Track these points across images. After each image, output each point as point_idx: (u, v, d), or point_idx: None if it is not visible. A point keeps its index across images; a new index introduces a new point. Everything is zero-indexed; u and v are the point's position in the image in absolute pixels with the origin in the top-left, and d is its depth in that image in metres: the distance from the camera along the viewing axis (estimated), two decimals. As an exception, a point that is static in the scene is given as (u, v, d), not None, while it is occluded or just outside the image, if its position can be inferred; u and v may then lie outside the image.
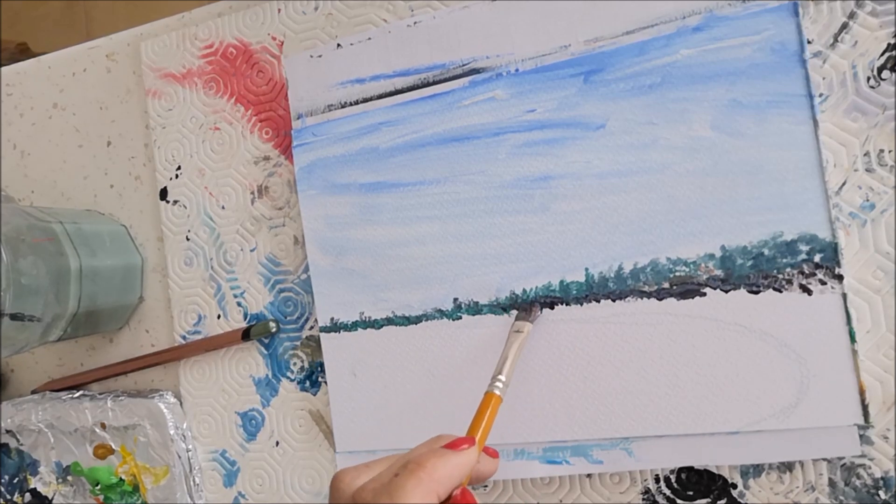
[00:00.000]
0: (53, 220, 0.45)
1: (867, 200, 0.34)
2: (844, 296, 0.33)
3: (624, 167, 0.37)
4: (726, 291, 0.35)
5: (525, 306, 0.38)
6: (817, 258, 0.33)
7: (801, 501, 0.35)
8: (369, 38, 0.42)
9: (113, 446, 0.48)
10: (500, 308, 0.39)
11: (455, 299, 0.40)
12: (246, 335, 0.45)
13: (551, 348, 0.38)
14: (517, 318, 0.38)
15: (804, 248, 0.34)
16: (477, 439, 0.30)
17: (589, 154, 0.37)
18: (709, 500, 0.36)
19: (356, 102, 0.42)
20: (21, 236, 0.41)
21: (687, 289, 0.36)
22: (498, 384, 0.33)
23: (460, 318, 0.40)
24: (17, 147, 0.54)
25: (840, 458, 0.34)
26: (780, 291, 0.34)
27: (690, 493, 0.37)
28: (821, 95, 0.34)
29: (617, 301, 0.37)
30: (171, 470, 0.46)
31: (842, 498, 0.34)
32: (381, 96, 0.42)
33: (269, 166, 0.45)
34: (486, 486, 0.40)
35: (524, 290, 0.39)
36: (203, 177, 0.47)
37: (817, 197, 0.34)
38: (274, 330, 0.45)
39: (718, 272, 0.35)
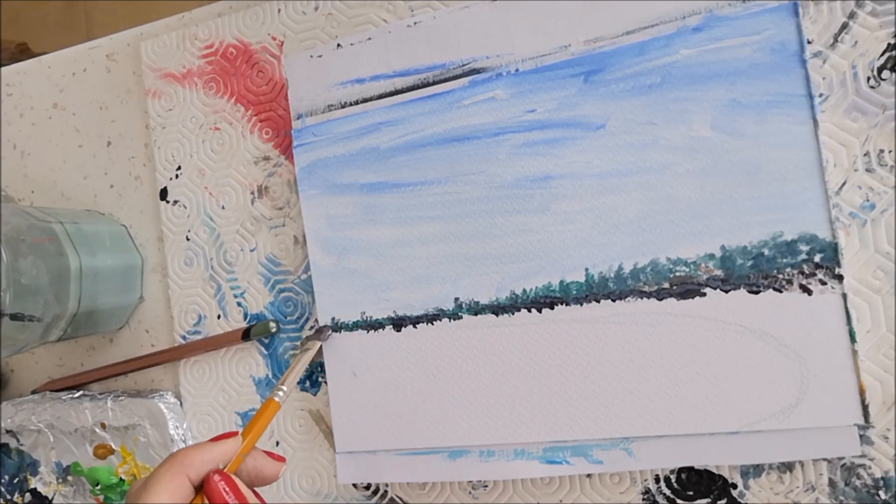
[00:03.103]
0: (53, 220, 0.45)
1: (867, 200, 0.34)
2: (844, 296, 0.33)
3: (624, 167, 0.37)
4: (726, 291, 0.35)
5: (322, 328, 0.42)
6: (817, 258, 0.33)
7: (801, 501, 0.35)
8: (369, 38, 0.42)
9: (113, 446, 0.47)
10: (500, 308, 0.39)
11: (456, 299, 0.40)
12: (246, 335, 0.45)
13: (551, 348, 0.38)
14: (309, 338, 0.42)
15: (804, 248, 0.34)
16: (241, 433, 0.33)
17: (589, 154, 0.37)
18: (709, 500, 0.36)
19: (356, 102, 0.42)
20: (21, 236, 0.41)
21: (687, 289, 0.36)
22: (279, 392, 0.36)
23: (461, 317, 0.40)
24: (17, 147, 0.54)
25: (840, 458, 0.34)
26: (780, 291, 0.34)
27: (690, 493, 0.37)
28: (821, 95, 0.34)
29: (617, 301, 0.37)
30: (171, 470, 0.46)
31: (842, 498, 0.34)
32: (381, 96, 0.42)
33: (270, 166, 0.45)
34: (486, 485, 0.40)
35: (524, 290, 0.39)
36: (203, 177, 0.47)
37: (817, 197, 0.34)
38: (274, 330, 0.45)
39: (718, 272, 0.35)
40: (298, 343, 0.44)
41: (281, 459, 0.34)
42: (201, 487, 0.30)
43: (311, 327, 0.44)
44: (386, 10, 0.42)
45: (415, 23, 0.41)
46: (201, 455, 0.30)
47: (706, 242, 0.35)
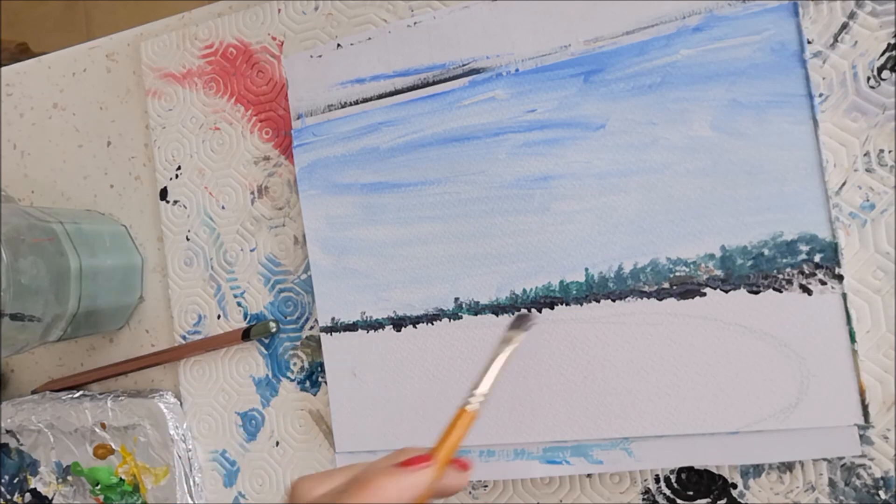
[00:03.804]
0: (53, 220, 0.45)
1: (867, 200, 0.34)
2: (844, 296, 0.33)
3: (624, 167, 0.37)
4: (726, 291, 0.35)
5: (522, 315, 0.37)
6: (817, 258, 0.33)
7: (801, 501, 0.35)
8: (369, 38, 0.42)
9: (113, 446, 0.48)
10: (500, 308, 0.39)
11: (456, 299, 0.40)
12: (246, 335, 0.45)
13: (551, 348, 0.38)
14: (510, 328, 0.36)
15: (804, 248, 0.34)
16: (439, 458, 0.29)
17: (589, 154, 0.37)
18: (709, 500, 0.36)
19: (356, 102, 0.42)
20: (21, 236, 0.41)
21: (687, 289, 0.36)
22: (472, 400, 0.31)
23: (461, 317, 0.40)
24: (17, 147, 0.54)
25: (840, 458, 0.34)
26: (780, 291, 0.34)
27: (690, 493, 0.37)
28: (821, 95, 0.34)
29: (617, 301, 0.37)
30: (171, 470, 0.46)
31: (842, 498, 0.34)
32: (381, 96, 0.42)
33: (269, 166, 0.45)
34: (486, 485, 0.40)
35: (524, 290, 0.39)
36: (203, 177, 0.47)
37: (817, 197, 0.34)
38: (274, 330, 0.45)
39: (718, 272, 0.35)
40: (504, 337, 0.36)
41: (466, 467, 0.30)
42: None
43: (514, 309, 0.37)
44: (386, 10, 0.42)
45: (415, 23, 0.41)
46: (396, 490, 0.26)
47: (706, 242, 0.35)
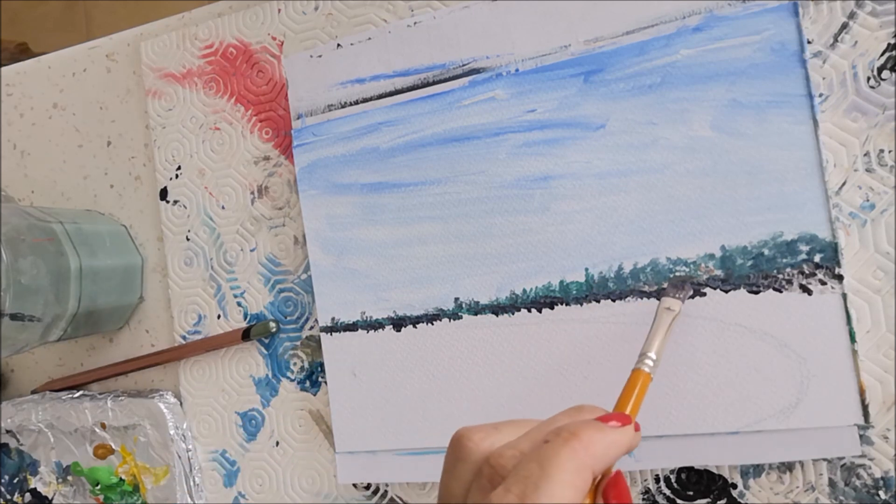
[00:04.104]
0: (53, 220, 0.45)
1: (867, 200, 0.34)
2: (844, 296, 0.33)
3: (624, 167, 0.37)
4: (726, 291, 0.35)
5: (677, 282, 0.35)
6: (817, 258, 0.33)
7: (801, 501, 0.35)
8: (369, 38, 0.42)
9: (113, 446, 0.48)
10: (500, 308, 0.39)
11: (456, 299, 0.40)
12: (246, 335, 0.45)
13: (551, 348, 0.38)
14: (667, 294, 0.35)
15: (804, 248, 0.34)
16: (634, 419, 0.27)
17: (589, 154, 0.37)
18: (709, 500, 0.36)
19: (356, 102, 0.42)
20: (21, 236, 0.41)
21: (687, 289, 0.36)
22: (647, 361, 0.31)
23: (461, 317, 0.40)
24: (17, 147, 0.54)
25: (840, 458, 0.34)
26: (780, 291, 0.34)
27: (690, 493, 0.37)
28: (821, 95, 0.34)
29: (617, 301, 0.37)
30: (171, 470, 0.46)
31: (842, 498, 0.34)
32: (381, 96, 0.42)
33: (269, 166, 0.45)
34: (486, 486, 0.40)
35: (524, 290, 0.39)
36: (203, 177, 0.47)
37: (817, 197, 0.34)
38: (274, 330, 0.45)
39: (718, 272, 0.35)
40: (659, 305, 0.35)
41: (639, 429, 0.27)
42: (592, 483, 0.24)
43: (666, 281, 0.35)
44: (386, 10, 0.42)
45: (415, 23, 0.41)
46: (604, 446, 0.24)
47: (706, 242, 0.35)
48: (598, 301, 0.37)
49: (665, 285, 0.36)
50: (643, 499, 0.37)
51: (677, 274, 0.36)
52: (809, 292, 0.34)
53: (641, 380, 0.30)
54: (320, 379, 0.44)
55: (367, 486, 0.43)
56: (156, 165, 0.48)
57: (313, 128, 0.43)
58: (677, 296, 0.35)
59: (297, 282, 0.45)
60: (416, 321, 0.41)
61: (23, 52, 1.43)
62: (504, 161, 0.39)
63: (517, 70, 0.39)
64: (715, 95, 0.35)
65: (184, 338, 0.47)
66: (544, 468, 0.23)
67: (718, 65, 0.35)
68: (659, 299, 0.36)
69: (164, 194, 0.48)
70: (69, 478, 0.49)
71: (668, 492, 0.37)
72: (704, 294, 0.35)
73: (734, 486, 0.36)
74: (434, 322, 0.40)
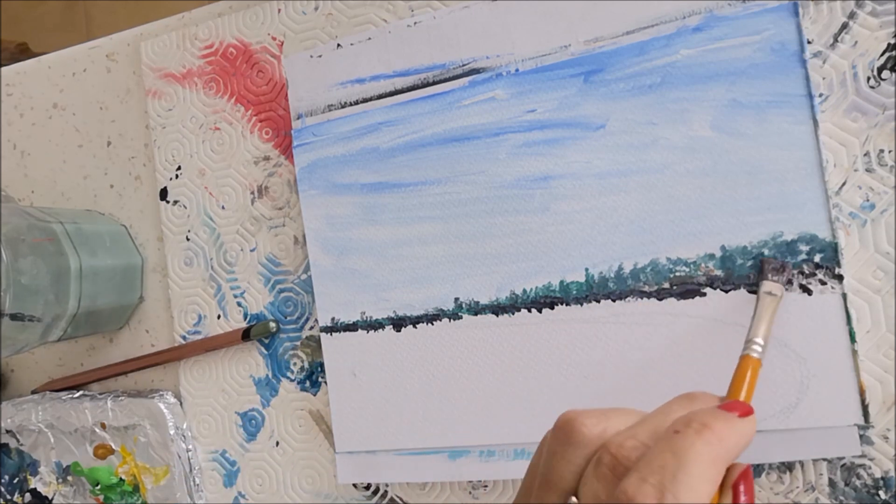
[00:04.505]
0: (53, 220, 0.45)
1: (867, 200, 0.34)
2: (844, 296, 0.33)
3: (624, 167, 0.37)
4: (726, 291, 0.35)
5: (771, 262, 0.34)
6: (817, 258, 0.33)
7: (801, 501, 0.35)
8: (369, 38, 0.42)
9: (113, 446, 0.48)
10: (500, 308, 0.39)
11: (456, 299, 0.40)
12: (246, 335, 0.45)
13: (551, 348, 0.38)
14: (766, 278, 0.33)
15: (804, 248, 0.34)
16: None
17: (589, 154, 0.37)
18: (709, 500, 0.36)
19: (356, 102, 0.42)
20: (21, 236, 0.41)
21: (687, 289, 0.36)
22: (755, 347, 0.30)
23: (461, 317, 0.40)
24: (17, 147, 0.54)
25: (840, 458, 0.34)
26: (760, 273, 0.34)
27: (690, 493, 0.37)
28: (821, 95, 0.34)
29: (617, 301, 0.37)
30: (171, 470, 0.46)
31: (842, 498, 0.34)
32: (381, 96, 0.42)
33: (269, 166, 0.45)
34: (486, 485, 0.40)
35: (524, 290, 0.39)
36: (203, 177, 0.47)
37: (817, 197, 0.34)
38: (274, 330, 0.45)
39: (718, 272, 0.35)
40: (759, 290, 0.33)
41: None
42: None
43: (762, 262, 0.34)
44: (386, 10, 0.42)
45: (415, 23, 0.41)
46: (735, 437, 0.23)
47: (706, 242, 0.35)
48: (598, 301, 0.37)
49: (762, 266, 0.34)
50: (643, 499, 0.37)
51: (677, 274, 0.36)
52: (809, 292, 0.34)
53: (752, 366, 0.29)
54: (320, 379, 0.44)
55: (367, 486, 0.43)
56: (156, 165, 0.48)
57: (313, 128, 0.43)
58: (777, 279, 0.33)
59: (297, 282, 0.45)
60: (416, 321, 0.41)
61: (23, 52, 1.43)
62: (504, 161, 0.39)
63: (517, 70, 0.39)
64: (715, 95, 0.35)
65: (184, 338, 0.47)
66: (680, 459, 0.22)
67: (718, 65, 0.35)
68: (660, 300, 0.36)
69: (164, 194, 0.48)
70: (69, 478, 0.49)
71: (668, 492, 0.37)
72: (704, 294, 0.35)
73: (734, 486, 0.36)
74: (434, 322, 0.40)
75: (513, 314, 0.39)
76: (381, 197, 0.42)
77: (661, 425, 0.24)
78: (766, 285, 0.33)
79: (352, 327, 0.42)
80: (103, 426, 0.47)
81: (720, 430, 0.23)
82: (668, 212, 0.36)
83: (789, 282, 0.34)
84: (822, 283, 0.33)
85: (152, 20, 0.49)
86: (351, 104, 0.42)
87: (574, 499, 0.25)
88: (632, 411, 0.26)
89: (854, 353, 0.33)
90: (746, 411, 0.25)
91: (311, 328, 0.44)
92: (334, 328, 0.43)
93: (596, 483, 0.23)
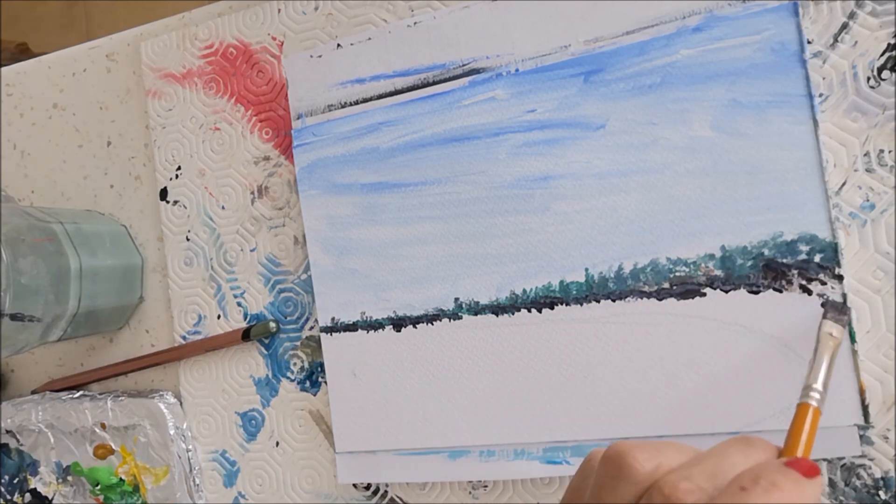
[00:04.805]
0: (53, 220, 0.45)
1: (867, 200, 0.34)
2: (844, 296, 0.33)
3: (624, 167, 0.37)
4: (726, 291, 0.35)
5: (835, 303, 0.33)
6: (817, 258, 0.33)
7: (801, 501, 0.35)
8: (369, 38, 0.42)
9: (113, 446, 0.48)
10: (500, 308, 0.39)
11: (456, 299, 0.40)
12: (246, 335, 0.45)
13: (551, 348, 0.38)
14: (827, 318, 0.32)
15: (804, 248, 0.34)
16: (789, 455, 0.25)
17: (589, 154, 0.37)
18: (709, 500, 0.36)
19: (356, 102, 0.42)
20: (21, 236, 0.41)
21: (687, 289, 0.36)
22: (814, 394, 0.28)
23: (461, 317, 0.40)
24: (17, 147, 0.54)
25: (840, 458, 0.34)
26: (781, 291, 0.34)
27: (690, 493, 0.37)
28: (821, 95, 0.34)
29: (617, 301, 0.37)
30: (171, 470, 0.46)
31: (842, 498, 0.34)
32: (381, 96, 0.42)
33: (269, 166, 0.45)
34: (486, 485, 0.40)
35: (524, 290, 0.39)
36: (203, 177, 0.47)
37: (817, 197, 0.34)
38: (274, 330, 0.45)
39: (718, 272, 0.35)
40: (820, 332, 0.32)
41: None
42: None
43: (823, 304, 0.33)
44: (386, 10, 0.42)
45: (415, 23, 0.41)
46: (802, 496, 0.22)
47: (706, 242, 0.35)
48: (598, 301, 0.37)
49: (823, 305, 0.33)
50: (643, 499, 0.37)
51: (677, 274, 0.36)
52: (809, 292, 0.34)
53: (811, 415, 0.27)
54: (320, 379, 0.44)
55: (367, 486, 0.43)
56: (156, 165, 0.48)
57: (313, 128, 0.43)
58: (839, 320, 0.32)
59: (297, 282, 0.45)
60: (416, 321, 0.41)
61: (23, 52, 1.43)
62: (504, 161, 0.39)
63: (517, 70, 0.39)
64: (715, 95, 0.35)
65: (184, 338, 0.47)
66: None
67: (718, 65, 0.35)
68: (660, 300, 0.36)
69: (164, 194, 0.48)
70: (69, 478, 0.49)
71: (668, 492, 0.37)
72: (704, 294, 0.35)
73: (734, 486, 0.36)
74: (434, 322, 0.40)
75: (513, 314, 0.39)
76: (381, 197, 0.42)
77: (719, 470, 0.23)
78: (827, 325, 0.32)
79: (352, 327, 0.42)
80: (103, 426, 0.47)
81: (790, 492, 0.22)
82: (668, 212, 0.36)
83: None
84: (822, 283, 0.33)
85: (152, 20, 0.49)
86: (351, 104, 0.42)
87: None
88: (686, 448, 0.25)
89: (854, 353, 0.33)
90: (814, 472, 0.23)
91: (311, 328, 0.44)
92: (334, 328, 0.43)
93: None
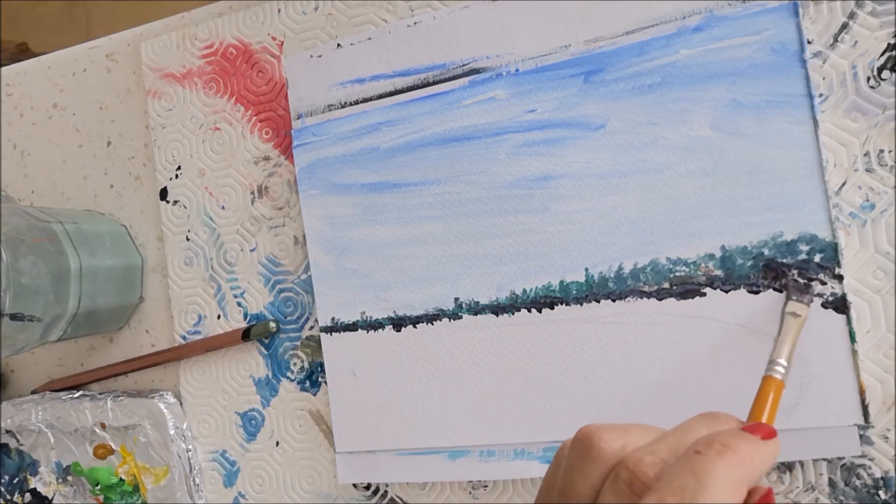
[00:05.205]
0: (53, 220, 0.45)
1: (867, 200, 0.34)
2: (844, 296, 0.33)
3: (624, 167, 0.37)
4: (726, 291, 0.35)
5: (796, 284, 0.34)
6: (817, 258, 0.33)
7: (801, 501, 0.35)
8: (369, 38, 0.42)
9: (113, 446, 0.48)
10: (500, 308, 0.39)
11: (456, 299, 0.40)
12: (246, 335, 0.45)
13: (551, 348, 0.38)
14: (790, 298, 0.33)
15: (804, 248, 0.34)
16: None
17: (589, 154, 0.37)
18: (709, 500, 0.36)
19: (356, 102, 0.42)
20: (21, 236, 0.41)
21: (687, 289, 0.36)
22: (779, 368, 0.30)
23: (461, 317, 0.40)
24: (17, 147, 0.54)
25: (840, 458, 0.34)
26: (781, 291, 0.34)
27: (690, 493, 0.37)
28: (821, 95, 0.34)
29: (617, 301, 0.37)
30: (171, 470, 0.46)
31: (842, 498, 0.34)
32: (381, 96, 0.42)
33: (269, 166, 0.45)
34: (486, 485, 0.40)
35: (524, 290, 0.39)
36: (203, 177, 0.47)
37: (817, 197, 0.34)
38: (274, 330, 0.45)
39: (718, 272, 0.35)
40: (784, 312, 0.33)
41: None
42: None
43: (785, 285, 0.34)
44: (386, 10, 0.42)
45: (415, 23, 0.41)
46: (758, 460, 0.23)
47: (706, 242, 0.35)
48: (598, 301, 0.37)
49: (785, 286, 0.34)
50: (643, 499, 0.37)
51: (677, 274, 0.36)
52: (810, 292, 0.34)
53: (774, 387, 0.29)
54: (320, 379, 0.44)
55: (367, 486, 0.43)
56: (156, 165, 0.48)
57: (313, 128, 0.43)
58: (802, 300, 0.33)
59: (297, 282, 0.45)
60: (416, 321, 0.41)
61: (23, 52, 1.43)
62: (504, 161, 0.39)
63: (517, 70, 0.39)
64: (715, 95, 0.35)
65: (184, 338, 0.47)
66: (701, 480, 0.21)
67: (718, 65, 0.35)
68: (660, 300, 0.36)
69: (164, 194, 0.48)
70: (69, 478, 0.49)
71: (668, 492, 0.37)
72: (704, 294, 0.35)
73: (734, 486, 0.36)
74: (434, 322, 0.40)
75: (513, 314, 0.39)
76: (381, 197, 0.42)
77: (682, 443, 0.24)
78: (791, 305, 0.33)
79: (352, 327, 0.42)
80: (103, 426, 0.47)
81: (743, 451, 0.23)
82: (668, 212, 0.36)
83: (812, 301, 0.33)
84: (822, 283, 0.33)
85: (152, 20, 0.49)
86: (351, 104, 0.42)
87: None
88: (652, 428, 0.26)
89: (854, 353, 0.33)
90: (770, 434, 0.24)
91: (311, 328, 0.44)
92: (334, 328, 0.43)
93: (611, 497, 0.23)
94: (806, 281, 0.34)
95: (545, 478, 0.27)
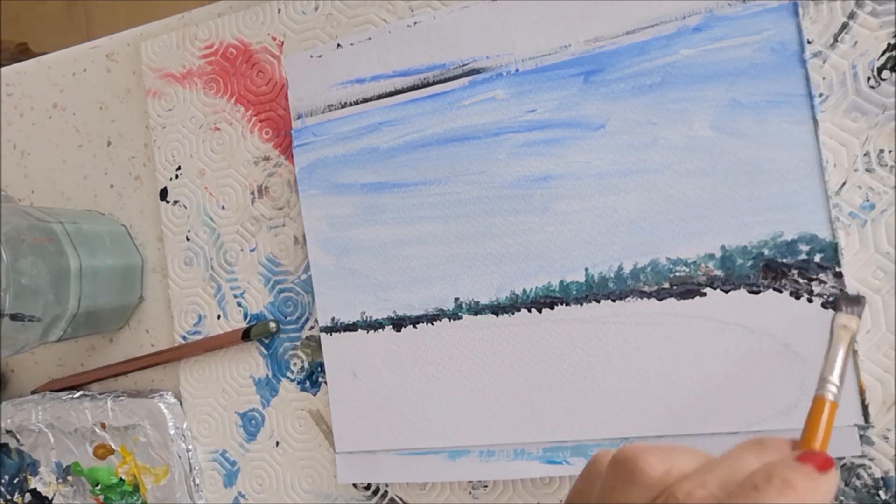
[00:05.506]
0: (53, 220, 0.45)
1: (867, 200, 0.34)
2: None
3: (624, 167, 0.37)
4: (726, 291, 0.35)
5: (846, 295, 0.32)
6: (817, 258, 0.33)
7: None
8: (369, 38, 0.42)
9: (113, 446, 0.48)
10: (500, 308, 0.39)
11: (456, 299, 0.40)
12: (246, 335, 0.45)
13: (551, 348, 0.38)
14: (840, 310, 0.32)
15: (804, 248, 0.34)
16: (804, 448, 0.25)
17: (589, 154, 0.37)
18: (709, 500, 0.36)
19: (356, 102, 0.42)
20: (21, 236, 0.41)
21: (687, 289, 0.36)
22: (831, 388, 0.28)
23: (461, 317, 0.40)
24: (17, 147, 0.54)
25: (840, 458, 0.34)
26: (780, 291, 0.34)
27: (690, 493, 0.37)
28: (821, 95, 0.34)
29: (617, 301, 0.37)
30: (171, 470, 0.46)
31: (842, 498, 0.34)
32: (381, 96, 0.42)
33: (269, 166, 0.45)
34: (486, 485, 0.40)
35: (524, 290, 0.39)
36: (203, 177, 0.47)
37: (817, 197, 0.34)
38: (274, 330, 0.45)
39: (718, 272, 0.35)
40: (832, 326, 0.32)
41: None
42: None
43: (829, 298, 0.33)
44: (386, 10, 0.42)
45: (415, 23, 0.41)
46: (818, 498, 0.22)
47: (706, 242, 0.35)
48: (598, 301, 0.37)
49: (835, 298, 0.33)
50: (643, 499, 0.37)
51: (677, 274, 0.36)
52: (810, 292, 0.34)
53: (828, 409, 0.27)
54: (320, 379, 0.44)
55: (367, 486, 0.43)
56: (156, 165, 0.48)
57: (313, 128, 0.43)
58: (853, 311, 0.32)
59: (297, 282, 0.45)
60: (416, 321, 0.41)
61: (23, 52, 1.43)
62: (504, 161, 0.39)
63: (517, 70, 0.39)
64: (715, 95, 0.35)
65: (184, 338, 0.47)
66: None
67: (718, 65, 0.35)
68: (660, 300, 0.36)
69: (164, 194, 0.48)
70: (69, 478, 0.49)
71: (668, 492, 0.37)
72: (704, 294, 0.35)
73: (734, 486, 0.36)
74: (434, 322, 0.40)
75: (513, 314, 0.39)
76: (381, 197, 0.42)
77: (733, 475, 0.23)
78: (841, 318, 0.31)
79: (352, 327, 0.42)
80: (103, 426, 0.47)
81: (803, 488, 0.21)
82: (668, 212, 0.36)
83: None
84: (823, 282, 0.33)
85: (152, 20, 0.49)
86: (351, 104, 0.42)
87: None
88: (696, 451, 0.25)
89: (854, 353, 0.33)
90: (826, 464, 0.23)
91: (311, 328, 0.44)
92: (334, 328, 0.43)
93: None
94: (858, 294, 0.33)
95: (574, 489, 0.26)
